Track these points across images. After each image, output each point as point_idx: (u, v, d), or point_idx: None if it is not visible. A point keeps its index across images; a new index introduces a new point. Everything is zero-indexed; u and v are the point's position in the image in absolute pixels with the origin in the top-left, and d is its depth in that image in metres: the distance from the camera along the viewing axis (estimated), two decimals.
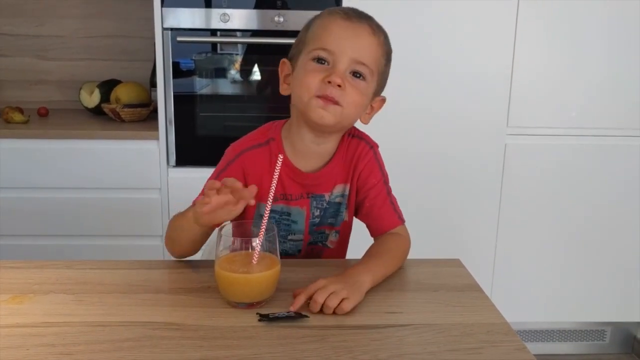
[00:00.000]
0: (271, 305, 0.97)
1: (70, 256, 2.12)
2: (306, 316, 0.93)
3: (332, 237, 1.21)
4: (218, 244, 0.97)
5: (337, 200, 1.17)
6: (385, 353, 0.84)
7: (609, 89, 2.17)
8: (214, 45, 2.17)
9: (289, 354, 0.83)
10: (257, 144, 1.15)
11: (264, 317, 0.92)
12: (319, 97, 1.05)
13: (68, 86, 2.60)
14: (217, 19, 2.08)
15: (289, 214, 1.16)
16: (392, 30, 2.06)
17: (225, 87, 2.24)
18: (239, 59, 2.19)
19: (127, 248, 2.19)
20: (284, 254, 1.15)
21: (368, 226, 1.20)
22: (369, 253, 1.11)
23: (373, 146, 1.20)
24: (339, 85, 1.04)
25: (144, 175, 2.16)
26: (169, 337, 0.87)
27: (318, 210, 1.16)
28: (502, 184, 2.21)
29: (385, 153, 1.26)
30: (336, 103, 1.05)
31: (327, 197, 1.16)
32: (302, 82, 1.06)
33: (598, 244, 2.29)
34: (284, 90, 1.14)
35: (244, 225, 1.03)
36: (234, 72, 2.22)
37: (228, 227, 1.00)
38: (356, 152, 1.17)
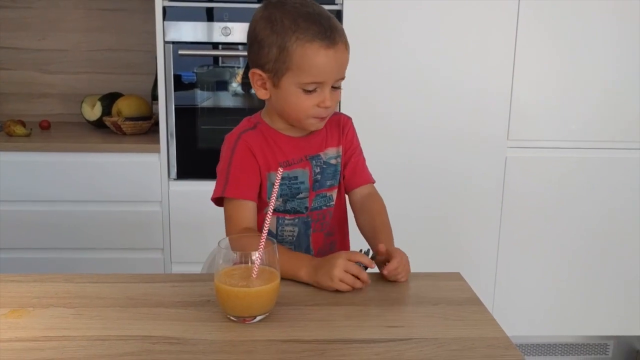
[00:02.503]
0: (271, 320, 0.96)
1: (71, 269, 2.12)
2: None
3: (334, 195, 1.31)
4: (218, 258, 0.97)
5: (333, 162, 1.28)
6: None
7: (608, 102, 2.18)
8: (215, 58, 2.18)
9: None
10: (247, 129, 1.24)
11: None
12: (314, 117, 1.17)
13: (70, 99, 2.61)
14: (219, 32, 2.09)
15: (296, 177, 1.24)
16: (394, 47, 2.09)
17: (226, 99, 2.25)
18: (240, 72, 2.20)
19: (128, 261, 2.19)
20: (293, 212, 1.25)
21: (347, 180, 1.32)
22: (378, 228, 1.24)
23: (349, 118, 1.35)
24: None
25: (145, 188, 2.17)
26: (168, 352, 0.87)
27: (318, 168, 1.26)
28: (503, 197, 2.21)
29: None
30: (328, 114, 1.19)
31: (322, 157, 1.26)
32: (295, 106, 1.16)
33: (600, 257, 2.28)
34: (262, 95, 1.20)
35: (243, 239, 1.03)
36: (235, 85, 2.22)
37: (227, 240, 1.00)
38: (340, 120, 1.31)
